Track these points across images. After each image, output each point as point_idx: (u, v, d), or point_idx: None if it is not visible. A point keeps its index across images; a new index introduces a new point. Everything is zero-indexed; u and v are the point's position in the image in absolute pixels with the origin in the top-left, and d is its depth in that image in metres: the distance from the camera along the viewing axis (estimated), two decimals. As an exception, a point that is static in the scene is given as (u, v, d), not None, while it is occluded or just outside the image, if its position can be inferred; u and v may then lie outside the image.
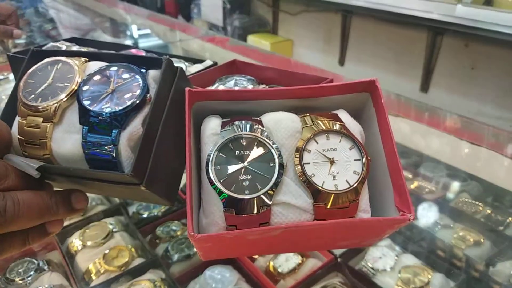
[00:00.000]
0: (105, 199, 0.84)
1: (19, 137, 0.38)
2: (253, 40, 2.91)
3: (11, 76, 1.35)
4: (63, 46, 0.69)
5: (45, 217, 0.35)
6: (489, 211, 0.83)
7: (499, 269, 0.70)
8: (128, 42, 1.90)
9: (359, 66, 2.43)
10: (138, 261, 0.68)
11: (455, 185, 0.92)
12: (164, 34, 1.76)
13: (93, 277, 0.65)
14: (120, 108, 0.36)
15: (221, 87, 0.55)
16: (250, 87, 0.55)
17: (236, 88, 0.54)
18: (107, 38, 1.82)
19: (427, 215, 0.83)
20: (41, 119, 0.37)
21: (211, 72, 0.59)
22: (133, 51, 0.63)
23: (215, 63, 0.61)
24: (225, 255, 0.54)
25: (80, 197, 0.38)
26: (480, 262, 0.71)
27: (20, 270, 0.66)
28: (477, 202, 0.85)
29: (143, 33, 1.97)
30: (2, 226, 0.31)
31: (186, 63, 0.61)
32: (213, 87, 0.56)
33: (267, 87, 0.56)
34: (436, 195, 0.89)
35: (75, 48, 0.69)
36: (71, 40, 0.72)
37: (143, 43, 1.90)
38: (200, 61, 0.62)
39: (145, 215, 0.82)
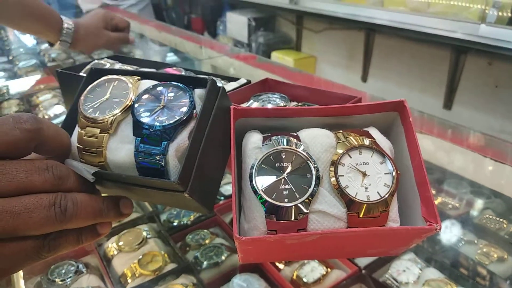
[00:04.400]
0: (139, 207, 0.89)
1: (78, 145, 0.42)
2: (277, 56, 2.96)
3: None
4: (107, 63, 0.74)
5: (98, 218, 0.38)
6: (513, 228, 0.84)
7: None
8: (157, 56, 1.98)
9: (382, 83, 2.45)
10: (170, 266, 0.72)
11: (479, 202, 0.93)
12: (193, 51, 1.82)
13: (129, 280, 0.69)
14: (170, 122, 0.40)
15: (255, 104, 0.59)
16: (282, 104, 0.59)
17: (269, 105, 0.58)
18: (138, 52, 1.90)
19: (450, 230, 0.84)
20: (98, 130, 0.42)
21: (245, 90, 0.63)
22: (172, 69, 0.68)
23: (248, 81, 0.65)
24: (263, 259, 0.57)
25: (127, 203, 0.42)
26: (504, 278, 0.72)
27: (61, 272, 0.71)
28: (501, 219, 0.86)
29: (169, 46, 2.05)
30: (62, 223, 0.34)
31: (223, 81, 0.65)
32: (247, 104, 0.59)
33: (299, 104, 0.59)
34: (459, 211, 0.90)
35: (118, 65, 0.74)
36: (114, 58, 0.78)
37: (170, 57, 1.97)
38: (235, 79, 0.66)
39: (175, 223, 0.86)
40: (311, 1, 2.48)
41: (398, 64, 2.29)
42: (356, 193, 0.36)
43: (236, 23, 3.24)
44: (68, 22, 1.20)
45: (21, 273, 0.69)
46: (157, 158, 0.40)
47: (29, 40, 2.13)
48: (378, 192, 0.36)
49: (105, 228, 0.40)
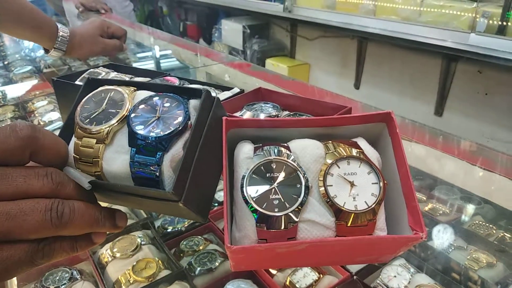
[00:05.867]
0: (133, 213, 0.89)
1: (75, 155, 0.43)
2: (271, 63, 2.99)
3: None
4: (102, 72, 0.75)
5: (94, 227, 0.39)
6: (502, 234, 0.85)
7: (512, 291, 0.72)
8: (151, 62, 1.99)
9: (374, 90, 2.48)
10: (164, 272, 0.72)
11: (469, 208, 0.94)
12: (188, 58, 1.84)
13: (123, 287, 0.69)
14: (165, 133, 0.41)
15: (248, 113, 0.60)
16: (274, 113, 0.60)
17: (262, 114, 0.59)
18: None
19: (440, 236, 0.86)
20: (94, 141, 0.43)
21: (238, 99, 0.64)
22: (168, 78, 0.69)
23: (242, 91, 0.66)
24: (254, 267, 0.58)
25: (122, 217, 0.43)
26: (493, 283, 0.73)
27: (55, 279, 0.71)
28: (490, 225, 0.87)
29: (164, 53, 2.07)
30: (57, 228, 0.35)
31: (217, 91, 0.66)
32: (240, 113, 0.61)
33: (291, 113, 0.61)
34: (450, 217, 0.92)
35: (113, 73, 0.75)
36: (109, 66, 0.79)
37: (164, 63, 1.99)
38: (228, 88, 0.67)
39: (169, 230, 0.87)
40: (305, 10, 2.51)
41: (390, 72, 2.32)
42: (344, 202, 0.37)
43: (231, 31, 3.27)
44: (63, 30, 1.21)
45: (15, 280, 0.69)
46: (152, 168, 0.41)
47: (25, 46, 2.13)
48: (365, 202, 0.38)
49: (99, 237, 0.41)
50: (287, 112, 0.62)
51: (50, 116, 1.26)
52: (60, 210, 0.35)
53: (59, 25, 1.22)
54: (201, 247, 0.81)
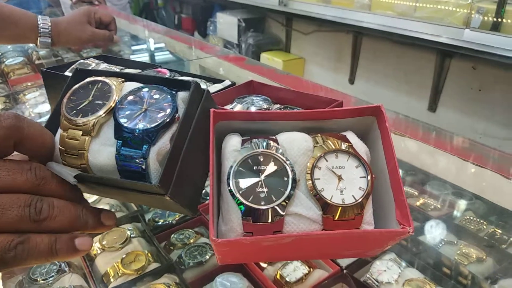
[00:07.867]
0: (124, 206, 0.89)
1: (60, 147, 0.42)
2: (267, 57, 2.98)
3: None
4: (93, 63, 0.74)
5: (74, 224, 0.38)
6: (492, 230, 0.86)
7: (502, 285, 0.73)
8: (146, 55, 1.98)
9: (369, 84, 2.48)
10: (154, 265, 0.72)
11: (460, 203, 0.95)
12: (182, 51, 1.83)
13: (111, 280, 0.69)
14: (151, 125, 0.41)
15: (239, 106, 0.60)
16: (265, 106, 0.60)
17: (253, 107, 0.59)
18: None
19: (431, 231, 0.86)
20: (80, 133, 0.42)
21: (229, 92, 0.63)
22: (159, 70, 0.68)
23: (233, 83, 0.66)
24: (241, 260, 0.58)
25: (110, 215, 0.42)
26: (482, 278, 0.74)
27: (42, 271, 0.71)
28: (481, 221, 0.88)
29: (158, 46, 2.05)
30: (36, 223, 0.34)
31: (208, 83, 0.66)
32: (231, 106, 0.60)
33: (281, 106, 0.60)
34: (441, 212, 0.92)
35: (103, 65, 0.74)
36: (99, 57, 0.78)
37: (158, 56, 1.98)
38: (220, 80, 0.67)
39: (160, 223, 0.86)
40: (300, 3, 2.50)
41: (384, 67, 2.32)
42: (332, 196, 0.37)
43: (226, 24, 3.26)
44: (44, 19, 1.18)
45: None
46: (138, 161, 0.40)
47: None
48: (353, 195, 0.37)
49: (84, 244, 0.38)
50: (278, 106, 0.62)
51: (41, 108, 1.25)
52: (39, 206, 0.35)
53: (39, 16, 1.19)
54: (191, 240, 0.81)
